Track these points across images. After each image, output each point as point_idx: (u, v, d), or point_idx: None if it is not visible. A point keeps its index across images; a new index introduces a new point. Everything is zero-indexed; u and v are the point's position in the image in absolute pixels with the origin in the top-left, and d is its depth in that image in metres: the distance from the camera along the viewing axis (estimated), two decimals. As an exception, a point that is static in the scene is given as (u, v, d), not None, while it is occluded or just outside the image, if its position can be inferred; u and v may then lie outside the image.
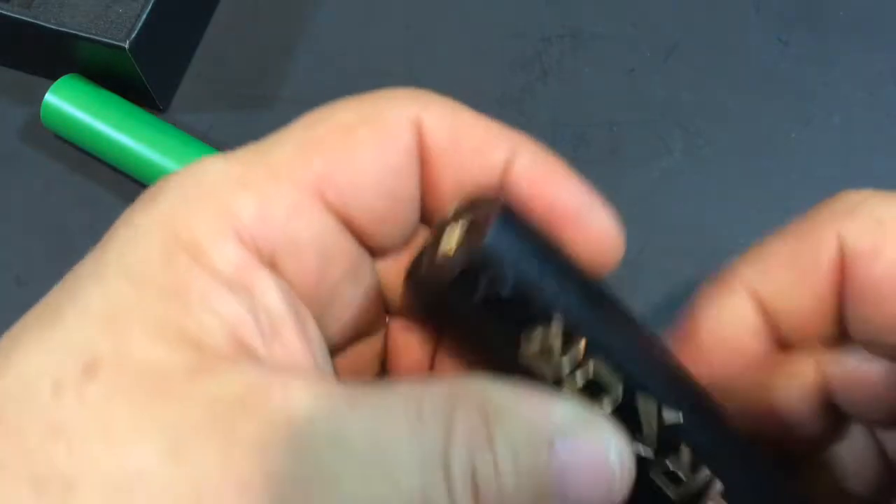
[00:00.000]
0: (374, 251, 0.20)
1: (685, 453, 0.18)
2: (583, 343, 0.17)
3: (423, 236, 0.21)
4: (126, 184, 0.35)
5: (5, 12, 0.33)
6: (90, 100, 0.34)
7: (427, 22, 0.38)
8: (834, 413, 0.21)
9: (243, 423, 0.15)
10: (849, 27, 0.37)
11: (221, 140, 0.35)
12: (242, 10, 0.38)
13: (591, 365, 0.18)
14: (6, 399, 0.15)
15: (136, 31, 0.33)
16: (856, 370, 0.20)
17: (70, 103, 0.34)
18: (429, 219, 0.21)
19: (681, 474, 0.18)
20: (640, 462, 0.18)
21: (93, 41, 0.33)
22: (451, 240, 0.18)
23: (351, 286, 0.19)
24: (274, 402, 0.15)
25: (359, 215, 0.19)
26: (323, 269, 0.18)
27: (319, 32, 0.38)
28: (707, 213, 0.34)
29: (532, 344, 0.17)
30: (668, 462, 0.18)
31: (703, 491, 0.19)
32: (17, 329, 0.16)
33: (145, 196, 0.18)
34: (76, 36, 0.33)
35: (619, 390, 0.18)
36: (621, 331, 0.19)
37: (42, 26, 0.33)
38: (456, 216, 0.19)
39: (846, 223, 0.19)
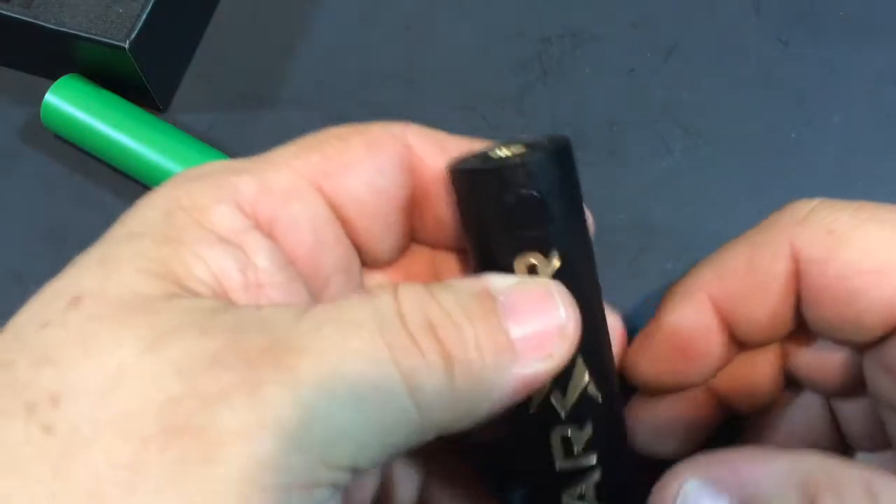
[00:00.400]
0: (365, 259, 0.21)
1: (587, 430, 0.20)
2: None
3: (416, 255, 0.23)
4: (126, 184, 0.35)
5: (5, 12, 0.33)
6: (90, 100, 0.34)
7: (427, 22, 0.38)
8: (788, 381, 0.23)
9: (217, 318, 0.16)
10: (849, 27, 0.37)
11: (221, 140, 0.35)
12: (242, 10, 0.38)
13: None
14: (4, 348, 0.16)
15: (136, 31, 0.33)
16: (819, 356, 0.22)
17: (70, 103, 0.34)
18: (420, 238, 0.22)
19: (575, 447, 0.20)
20: (548, 417, 0.20)
21: (93, 41, 0.33)
22: (507, 150, 0.20)
23: (342, 280, 0.21)
24: (245, 308, 0.16)
25: (352, 210, 0.20)
26: (317, 252, 0.20)
27: (319, 32, 0.38)
28: (707, 213, 0.34)
29: (524, 262, 0.19)
30: (570, 430, 0.20)
31: (583, 474, 0.21)
32: None
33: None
34: (76, 36, 0.33)
35: None
36: (593, 300, 0.21)
37: (42, 26, 0.33)
38: (507, 144, 0.21)
39: (798, 233, 0.21)
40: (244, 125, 0.36)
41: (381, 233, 0.21)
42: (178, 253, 0.17)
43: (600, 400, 0.20)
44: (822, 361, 0.22)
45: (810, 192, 0.34)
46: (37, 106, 0.35)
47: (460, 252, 0.23)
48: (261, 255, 0.18)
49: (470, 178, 0.20)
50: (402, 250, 0.22)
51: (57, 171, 0.35)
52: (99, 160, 0.35)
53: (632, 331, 0.26)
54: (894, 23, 0.37)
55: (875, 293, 0.19)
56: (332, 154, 0.20)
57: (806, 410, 0.23)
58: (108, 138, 0.34)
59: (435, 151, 0.21)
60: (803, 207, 0.21)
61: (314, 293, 0.20)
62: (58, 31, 0.33)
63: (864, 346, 0.20)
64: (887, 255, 0.19)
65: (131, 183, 0.35)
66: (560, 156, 0.20)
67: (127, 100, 0.35)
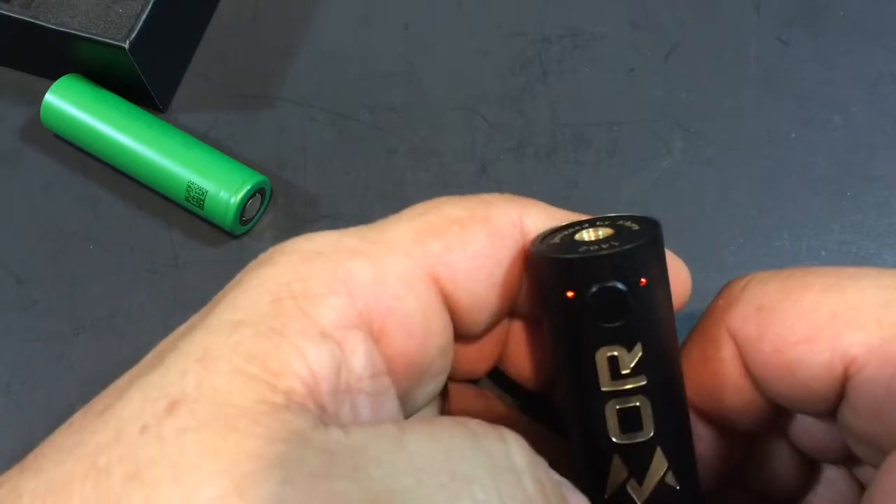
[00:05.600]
0: (459, 334, 0.21)
1: None
2: (644, 380, 0.19)
3: (506, 326, 0.23)
4: (126, 184, 0.35)
5: (5, 12, 0.33)
6: (90, 100, 0.34)
7: (427, 22, 0.38)
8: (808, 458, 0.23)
9: (303, 455, 0.15)
10: (849, 27, 0.37)
11: (221, 140, 0.35)
12: (242, 10, 0.38)
13: (638, 400, 0.19)
14: (103, 446, 0.15)
15: (136, 31, 0.33)
16: (812, 428, 0.22)
17: (70, 103, 0.34)
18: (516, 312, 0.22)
19: None
20: (624, 497, 0.20)
21: (93, 41, 0.33)
22: (593, 233, 0.19)
23: (440, 362, 0.20)
24: (333, 435, 0.15)
25: (464, 301, 0.20)
26: (425, 344, 0.19)
27: (319, 32, 0.38)
28: (707, 214, 0.34)
29: (606, 353, 0.19)
30: None
31: None
32: (124, 380, 0.17)
33: (259, 259, 0.18)
34: (76, 36, 0.33)
35: (648, 434, 0.19)
36: (675, 386, 0.20)
37: (42, 26, 0.33)
38: (594, 223, 0.20)
39: (731, 314, 0.20)
40: (244, 125, 0.36)
41: (486, 318, 0.21)
42: (279, 347, 0.16)
43: (678, 488, 0.20)
44: (816, 433, 0.22)
45: (810, 192, 0.34)
46: (37, 106, 0.35)
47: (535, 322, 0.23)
48: (358, 357, 0.17)
49: (553, 265, 0.19)
50: (496, 324, 0.22)
51: (57, 171, 0.35)
52: (99, 160, 0.35)
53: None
54: (894, 23, 0.37)
55: (811, 361, 0.19)
56: (453, 244, 0.19)
57: (831, 485, 0.23)
58: (108, 138, 0.34)
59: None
60: (736, 286, 0.21)
61: (411, 381, 0.19)
62: (58, 31, 0.33)
63: (829, 413, 0.20)
64: (815, 321, 0.19)
65: (131, 183, 0.35)
66: (650, 246, 0.19)
67: (127, 100, 0.35)
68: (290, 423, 0.15)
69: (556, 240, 0.20)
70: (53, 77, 0.35)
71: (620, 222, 0.20)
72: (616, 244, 0.18)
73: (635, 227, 0.19)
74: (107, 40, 0.33)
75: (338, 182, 0.35)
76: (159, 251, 0.34)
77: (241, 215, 0.33)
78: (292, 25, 0.38)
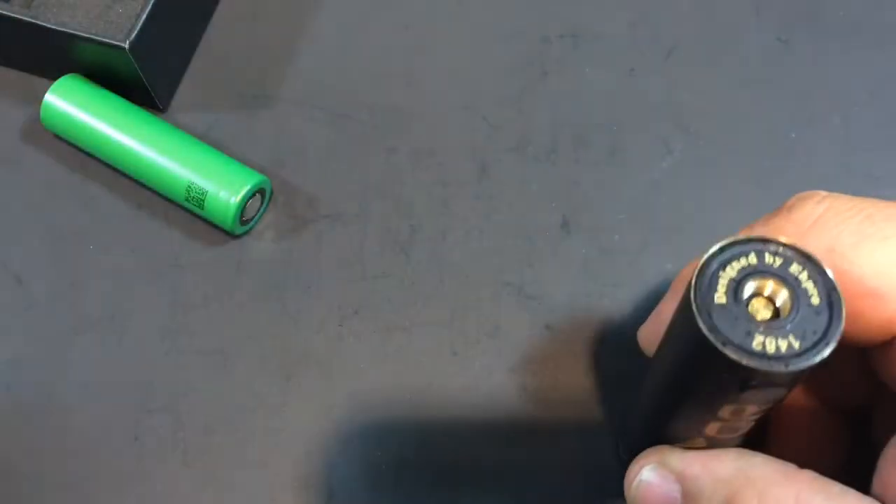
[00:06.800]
0: None
1: None
2: (758, 414, 0.19)
3: None
4: (126, 184, 0.35)
5: (5, 12, 0.33)
6: (90, 100, 0.34)
7: (427, 22, 0.38)
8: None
9: None
10: (849, 27, 0.37)
11: (221, 140, 0.35)
12: (242, 10, 0.38)
13: (744, 423, 0.20)
14: None
15: (136, 31, 0.33)
16: None
17: (70, 103, 0.34)
18: None
19: None
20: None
21: (93, 41, 0.33)
22: (768, 293, 0.18)
23: None
24: None
25: None
26: None
27: (319, 32, 0.38)
28: (707, 214, 0.34)
29: (735, 406, 0.19)
30: None
31: None
32: None
33: None
34: (76, 36, 0.33)
35: (737, 433, 0.20)
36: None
37: (42, 26, 0.33)
38: (764, 267, 0.18)
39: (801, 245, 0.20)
40: (244, 125, 0.36)
41: None
42: None
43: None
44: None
45: (810, 192, 0.34)
46: (37, 106, 0.35)
47: None
48: None
49: (720, 358, 0.17)
50: None
51: (57, 171, 0.35)
52: (99, 160, 0.35)
53: (632, 331, 0.26)
54: (894, 23, 0.37)
55: (871, 315, 0.19)
56: None
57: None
58: (107, 138, 0.34)
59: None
60: (810, 214, 0.20)
61: None
62: (58, 31, 0.33)
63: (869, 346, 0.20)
64: (886, 279, 0.19)
65: (131, 183, 0.35)
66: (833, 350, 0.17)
67: (127, 100, 0.35)
68: None
69: (722, 294, 0.18)
70: (53, 77, 0.35)
71: (798, 275, 0.18)
72: (796, 342, 0.17)
73: (814, 294, 0.18)
74: (107, 40, 0.33)
75: (338, 182, 0.35)
76: (159, 251, 0.34)
77: (241, 215, 0.33)
78: (292, 25, 0.38)
